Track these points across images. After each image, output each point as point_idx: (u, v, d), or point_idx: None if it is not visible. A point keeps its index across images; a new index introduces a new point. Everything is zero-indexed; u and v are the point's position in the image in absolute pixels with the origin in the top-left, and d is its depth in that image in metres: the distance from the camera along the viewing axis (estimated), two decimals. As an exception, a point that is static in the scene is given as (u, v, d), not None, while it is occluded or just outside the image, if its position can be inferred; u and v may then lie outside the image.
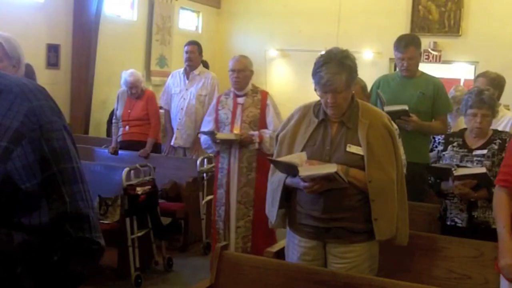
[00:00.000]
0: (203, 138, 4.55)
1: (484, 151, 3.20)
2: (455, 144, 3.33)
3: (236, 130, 4.34)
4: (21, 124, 1.03)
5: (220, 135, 4.36)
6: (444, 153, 3.35)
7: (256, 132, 4.34)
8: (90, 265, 1.12)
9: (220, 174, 4.49)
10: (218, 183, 4.49)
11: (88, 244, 1.10)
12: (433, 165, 3.39)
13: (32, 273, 1.03)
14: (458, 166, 3.21)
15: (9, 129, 1.03)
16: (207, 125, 4.52)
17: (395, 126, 3.34)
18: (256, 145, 4.33)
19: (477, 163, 3.20)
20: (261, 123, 4.38)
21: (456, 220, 3.26)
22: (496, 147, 3.18)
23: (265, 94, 4.47)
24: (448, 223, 3.30)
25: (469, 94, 3.25)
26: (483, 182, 3.06)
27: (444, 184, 3.28)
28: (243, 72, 4.37)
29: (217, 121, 4.47)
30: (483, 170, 3.08)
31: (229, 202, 4.42)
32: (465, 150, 3.27)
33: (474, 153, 3.23)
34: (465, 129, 3.35)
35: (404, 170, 3.28)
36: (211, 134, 4.40)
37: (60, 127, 1.09)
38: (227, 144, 4.39)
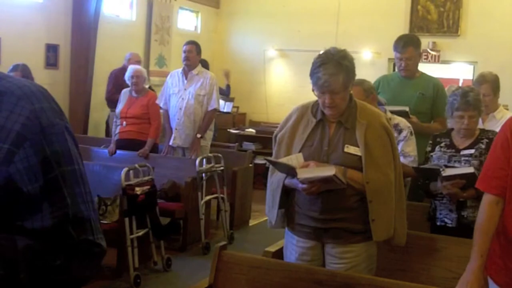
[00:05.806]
0: None
1: (472, 151, 3.21)
2: (442, 144, 3.33)
3: None
4: (23, 127, 1.03)
5: None
6: (431, 153, 3.35)
7: None
8: (93, 267, 1.12)
9: None
10: None
11: (90, 246, 1.09)
12: (421, 166, 3.39)
13: (35, 279, 1.02)
14: (446, 166, 3.22)
15: (11, 131, 1.02)
16: None
17: (407, 123, 3.36)
18: None
19: (465, 163, 3.20)
20: None
21: (446, 220, 3.27)
22: (483, 146, 3.18)
23: None
24: (438, 223, 3.30)
25: (454, 96, 3.23)
26: (472, 182, 3.06)
27: (433, 184, 3.28)
28: None
29: None
30: (471, 170, 3.08)
31: None
32: (453, 150, 3.28)
33: (461, 153, 3.24)
34: (452, 129, 3.35)
35: (416, 165, 3.31)
36: None
37: (62, 129, 1.09)
38: None
